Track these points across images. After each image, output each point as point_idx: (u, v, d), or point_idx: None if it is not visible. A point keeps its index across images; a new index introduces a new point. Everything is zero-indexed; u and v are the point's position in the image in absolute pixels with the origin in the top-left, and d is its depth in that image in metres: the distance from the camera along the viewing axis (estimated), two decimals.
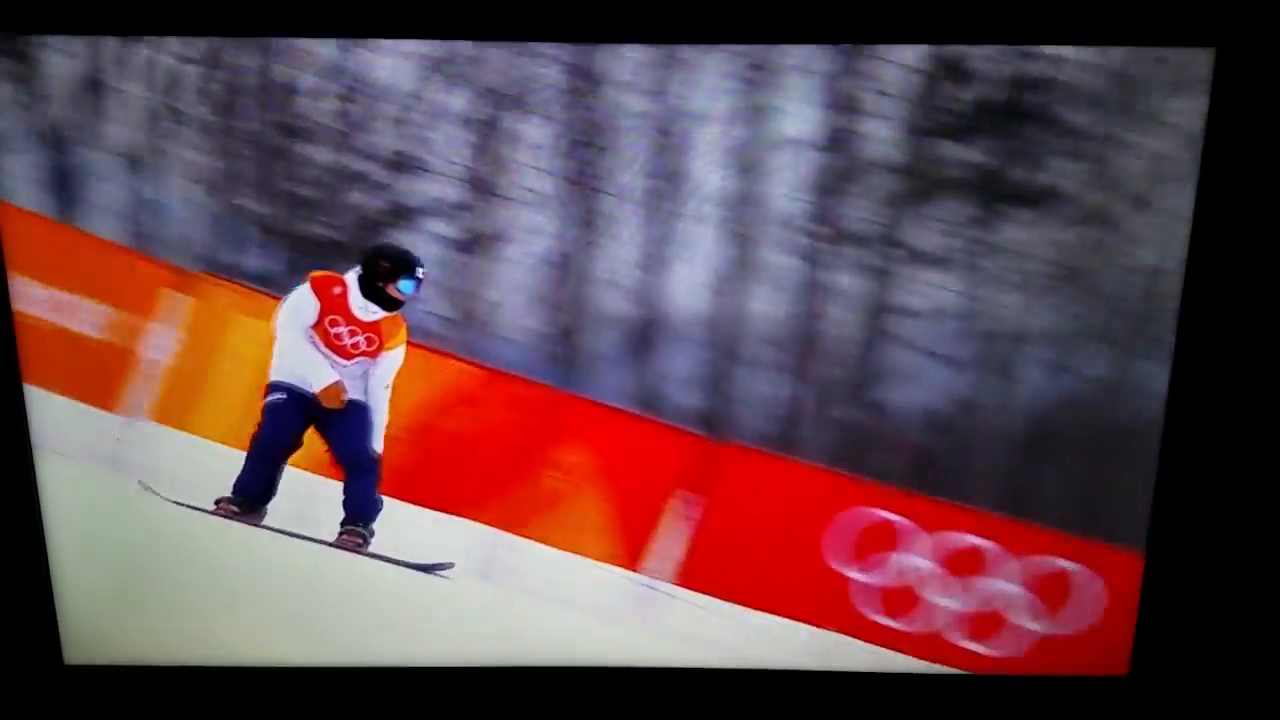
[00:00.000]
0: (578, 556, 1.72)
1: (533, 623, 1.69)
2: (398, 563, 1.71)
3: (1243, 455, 1.55)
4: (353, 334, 1.69)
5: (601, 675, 1.68)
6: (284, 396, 1.67)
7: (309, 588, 1.67)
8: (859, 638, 1.67)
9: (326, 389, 1.68)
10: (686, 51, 1.50)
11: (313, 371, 1.69)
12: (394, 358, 1.70)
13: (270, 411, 1.67)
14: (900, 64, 1.52)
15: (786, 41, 1.46)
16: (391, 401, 1.72)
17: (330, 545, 1.70)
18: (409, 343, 1.72)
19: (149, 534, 1.63)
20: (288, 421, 1.68)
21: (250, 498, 1.70)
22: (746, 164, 1.56)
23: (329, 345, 1.69)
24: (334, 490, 1.71)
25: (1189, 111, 1.42)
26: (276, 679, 1.68)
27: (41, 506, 1.59)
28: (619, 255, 1.63)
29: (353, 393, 1.71)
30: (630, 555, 1.72)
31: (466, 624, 1.69)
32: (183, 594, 1.65)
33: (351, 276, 1.69)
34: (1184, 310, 1.49)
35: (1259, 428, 1.55)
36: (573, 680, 1.69)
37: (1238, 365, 1.51)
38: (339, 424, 1.70)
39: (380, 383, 1.70)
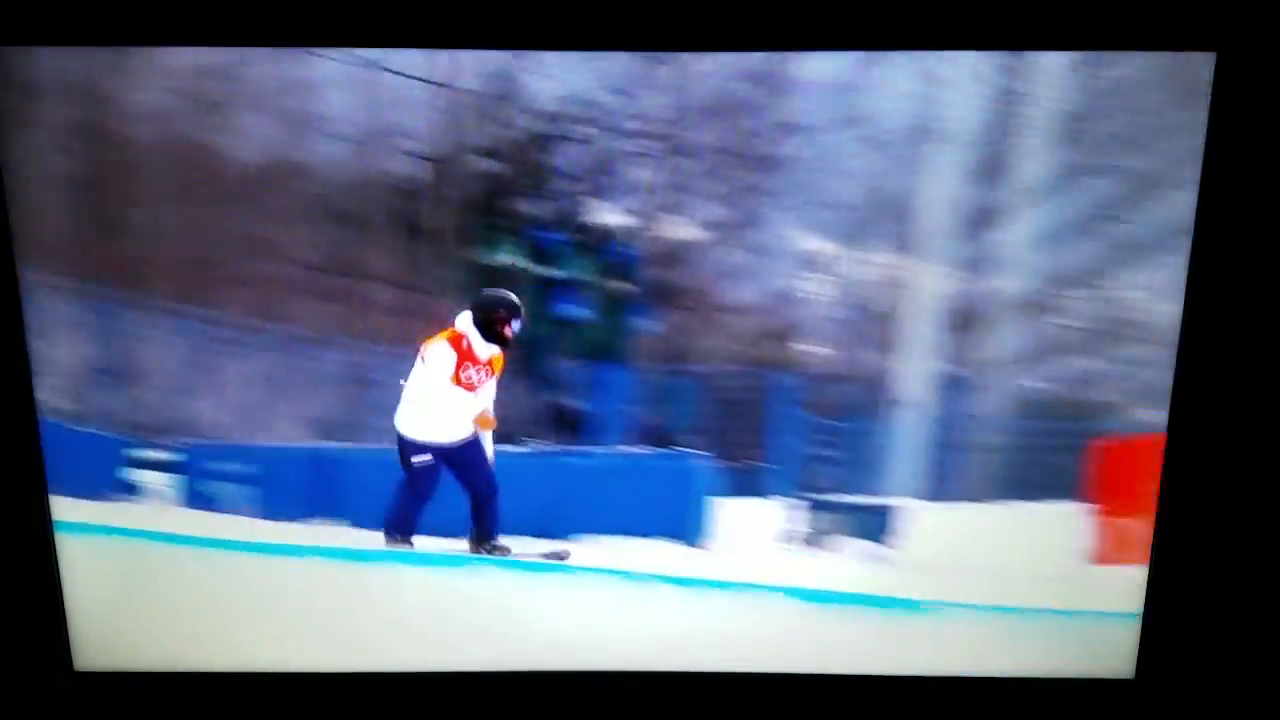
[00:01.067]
0: None
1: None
2: (527, 558, 1.90)
3: (1251, 453, 1.55)
4: (479, 372, 1.98)
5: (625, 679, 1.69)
6: (430, 458, 1.96)
7: (320, 594, 1.68)
8: None
9: (481, 417, 1.98)
10: None
11: (456, 421, 1.96)
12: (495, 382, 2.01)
13: (422, 474, 1.95)
14: None
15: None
16: None
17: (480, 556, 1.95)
18: None
19: (159, 539, 1.63)
20: (434, 476, 1.96)
21: (407, 534, 1.95)
22: None
23: (462, 387, 1.97)
24: None
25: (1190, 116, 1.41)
26: (287, 685, 1.68)
27: (51, 512, 1.60)
28: None
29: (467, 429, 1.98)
30: None
31: (479, 628, 1.69)
32: (193, 600, 1.65)
33: (467, 324, 1.96)
34: (1188, 314, 1.49)
35: (1265, 429, 1.55)
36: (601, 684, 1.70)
37: (1242, 368, 1.52)
38: (465, 461, 1.97)
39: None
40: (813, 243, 1.95)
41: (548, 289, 2.24)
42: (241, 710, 1.70)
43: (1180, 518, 1.57)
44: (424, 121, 1.90)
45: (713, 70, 1.77)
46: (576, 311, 2.26)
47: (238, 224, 1.91)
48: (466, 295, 2.00)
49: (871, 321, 2.01)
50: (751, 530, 2.13)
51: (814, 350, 2.05)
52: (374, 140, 1.89)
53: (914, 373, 2.02)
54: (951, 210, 1.79)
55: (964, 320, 1.92)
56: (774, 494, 2.16)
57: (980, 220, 1.81)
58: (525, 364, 2.23)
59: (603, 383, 2.28)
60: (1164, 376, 1.52)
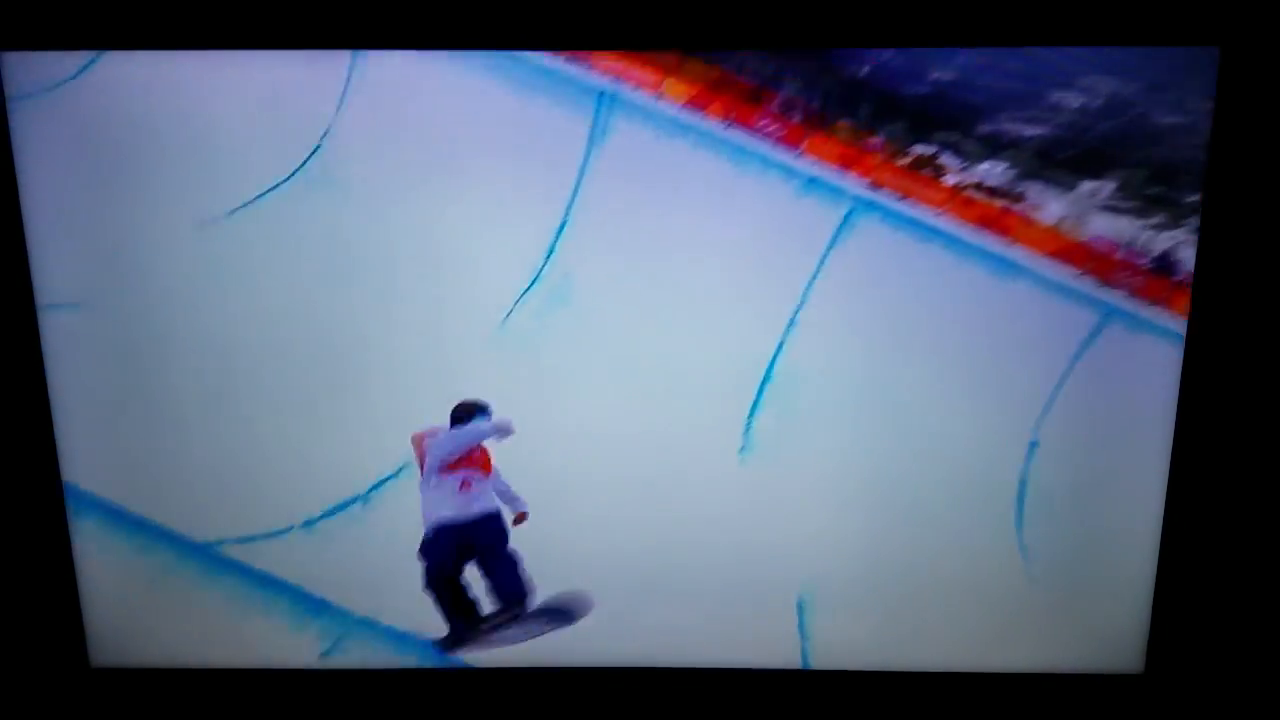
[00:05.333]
0: None
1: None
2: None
3: (1261, 444, 1.55)
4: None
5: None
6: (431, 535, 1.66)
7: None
8: None
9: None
10: None
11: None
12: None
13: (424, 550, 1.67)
14: None
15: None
16: None
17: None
18: None
19: (177, 534, 1.65)
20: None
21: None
22: None
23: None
24: None
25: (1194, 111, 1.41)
26: (306, 682, 1.69)
27: (68, 506, 1.61)
28: None
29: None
30: None
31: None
32: (211, 596, 1.66)
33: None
34: (1194, 309, 1.49)
35: (1274, 421, 1.54)
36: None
37: (1250, 363, 1.51)
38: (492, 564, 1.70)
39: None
40: None
41: None
42: (260, 707, 1.71)
43: (1189, 508, 1.57)
44: None
45: None
46: None
47: None
48: None
49: None
50: None
51: None
52: None
53: None
54: None
55: None
56: None
57: None
58: None
59: None
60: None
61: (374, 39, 1.42)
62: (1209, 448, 1.54)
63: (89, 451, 1.60)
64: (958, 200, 1.35)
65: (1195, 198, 1.39)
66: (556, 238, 1.47)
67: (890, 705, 1.69)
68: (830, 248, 1.42)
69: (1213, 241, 1.46)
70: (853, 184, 1.39)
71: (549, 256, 1.48)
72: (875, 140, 1.36)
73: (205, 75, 1.44)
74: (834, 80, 1.33)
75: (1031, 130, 1.32)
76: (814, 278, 1.45)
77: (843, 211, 1.41)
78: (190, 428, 1.59)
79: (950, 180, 1.35)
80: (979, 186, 1.34)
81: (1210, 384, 1.51)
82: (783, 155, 1.41)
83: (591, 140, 1.43)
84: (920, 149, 1.36)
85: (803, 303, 1.47)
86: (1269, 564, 1.60)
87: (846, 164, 1.38)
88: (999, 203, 1.34)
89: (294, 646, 1.68)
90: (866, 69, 1.33)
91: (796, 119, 1.37)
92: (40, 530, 1.63)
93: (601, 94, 1.42)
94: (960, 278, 1.45)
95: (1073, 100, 1.29)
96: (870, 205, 1.40)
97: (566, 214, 1.46)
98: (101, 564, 1.65)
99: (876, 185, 1.39)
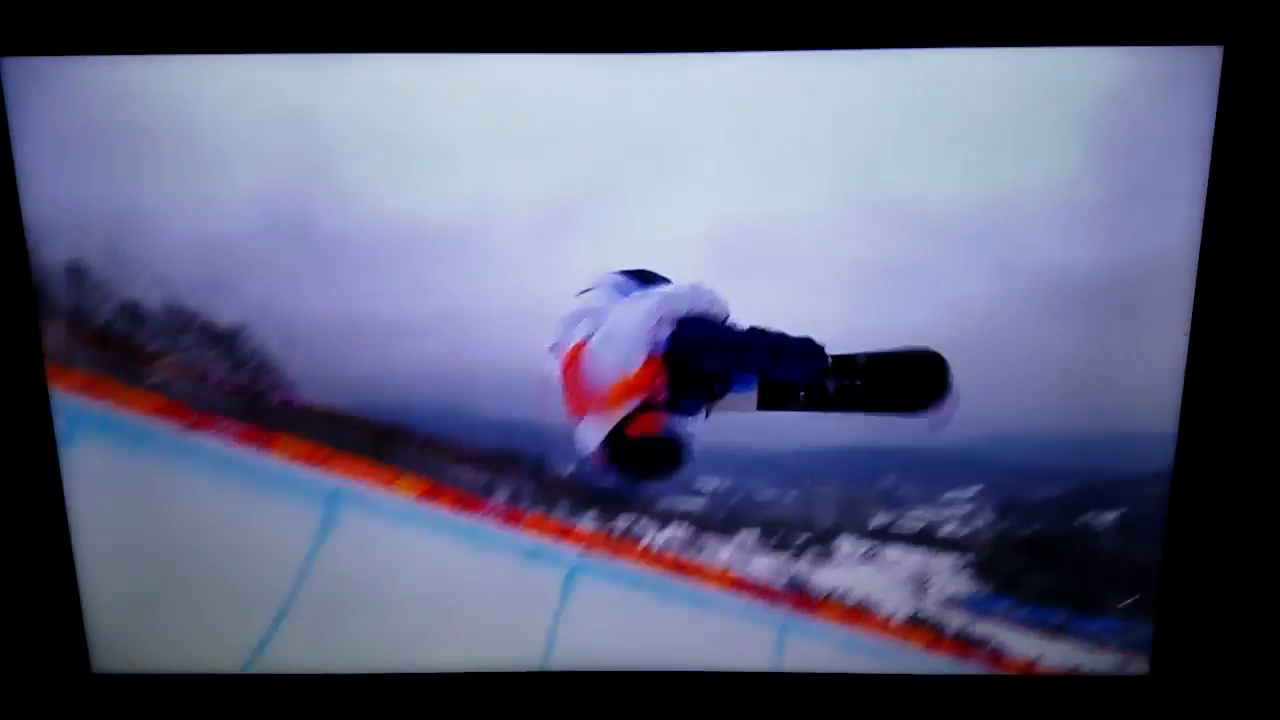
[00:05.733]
0: None
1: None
2: None
3: (1266, 443, 1.55)
4: None
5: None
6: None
7: (338, 595, 1.69)
8: None
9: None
10: None
11: None
12: None
13: None
14: None
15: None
16: None
17: None
18: None
19: (179, 540, 1.64)
20: None
21: None
22: None
23: None
24: None
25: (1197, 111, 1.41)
26: (307, 687, 1.69)
27: (69, 512, 1.60)
28: None
29: None
30: None
31: (497, 630, 1.69)
32: (213, 602, 1.66)
33: None
34: (1198, 311, 1.49)
35: (1276, 425, 1.54)
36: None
37: (1254, 363, 1.51)
38: None
39: None
40: None
41: None
42: (262, 713, 1.71)
43: (1193, 509, 1.57)
44: None
45: None
46: None
47: None
48: None
49: None
50: None
51: None
52: None
53: None
54: None
55: None
56: None
57: None
58: None
59: None
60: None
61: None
62: (1211, 450, 1.54)
63: (90, 453, 1.60)
64: (648, 555, 1.68)
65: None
66: None
67: (891, 706, 1.69)
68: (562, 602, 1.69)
69: (1213, 241, 1.46)
70: (568, 550, 1.68)
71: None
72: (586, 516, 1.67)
73: (205, 77, 1.44)
74: (550, 477, 1.63)
75: (692, 503, 1.66)
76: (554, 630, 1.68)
77: (564, 572, 1.69)
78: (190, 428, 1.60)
79: (644, 542, 1.68)
80: (665, 544, 1.68)
81: (1212, 386, 1.51)
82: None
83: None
84: (620, 521, 1.68)
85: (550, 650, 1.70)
86: (1274, 566, 1.60)
87: (562, 535, 1.68)
88: (683, 554, 1.70)
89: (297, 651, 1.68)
90: (571, 468, 1.62)
91: (522, 505, 1.66)
92: (40, 535, 1.63)
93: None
94: (665, 615, 1.70)
95: (711, 484, 1.64)
96: (584, 567, 1.69)
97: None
98: (103, 568, 1.65)
99: (589, 549, 1.68)
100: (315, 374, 1.56)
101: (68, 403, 1.56)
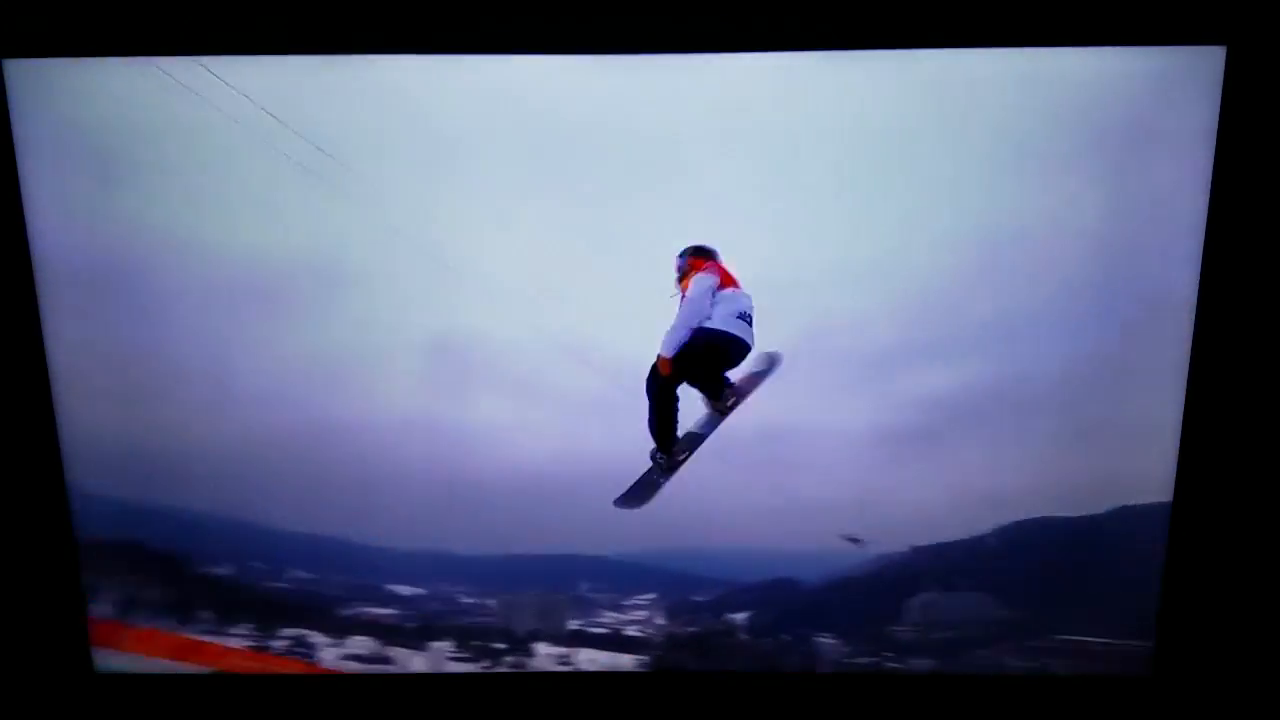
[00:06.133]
0: None
1: None
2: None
3: (1269, 447, 1.54)
4: None
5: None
6: None
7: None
8: None
9: None
10: None
11: None
12: None
13: None
14: None
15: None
16: None
17: None
18: None
19: (181, 537, 1.65)
20: None
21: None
22: None
23: None
24: None
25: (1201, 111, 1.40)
26: (310, 686, 1.69)
27: (73, 510, 1.61)
28: None
29: None
30: None
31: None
32: (214, 599, 1.66)
33: None
34: (1201, 312, 1.49)
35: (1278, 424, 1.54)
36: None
37: (1259, 361, 1.51)
38: None
39: None
40: None
41: None
42: (264, 713, 1.71)
43: (1197, 513, 1.56)
44: None
45: None
46: None
47: None
48: None
49: None
50: None
51: None
52: None
53: None
54: None
55: None
56: None
57: None
58: None
59: None
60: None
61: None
62: (1214, 453, 1.54)
63: (93, 453, 1.61)
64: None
65: None
66: None
67: (893, 706, 1.69)
68: None
69: (1215, 241, 1.46)
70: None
71: None
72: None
73: (205, 78, 1.44)
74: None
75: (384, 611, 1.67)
76: None
77: None
78: (191, 427, 1.60)
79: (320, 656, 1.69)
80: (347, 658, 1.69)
81: (1215, 388, 1.51)
82: None
83: None
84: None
85: None
86: (1276, 569, 1.60)
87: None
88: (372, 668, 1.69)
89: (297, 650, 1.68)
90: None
91: None
92: (44, 535, 1.63)
93: None
94: None
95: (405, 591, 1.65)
96: None
97: None
98: (105, 568, 1.65)
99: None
100: None
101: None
